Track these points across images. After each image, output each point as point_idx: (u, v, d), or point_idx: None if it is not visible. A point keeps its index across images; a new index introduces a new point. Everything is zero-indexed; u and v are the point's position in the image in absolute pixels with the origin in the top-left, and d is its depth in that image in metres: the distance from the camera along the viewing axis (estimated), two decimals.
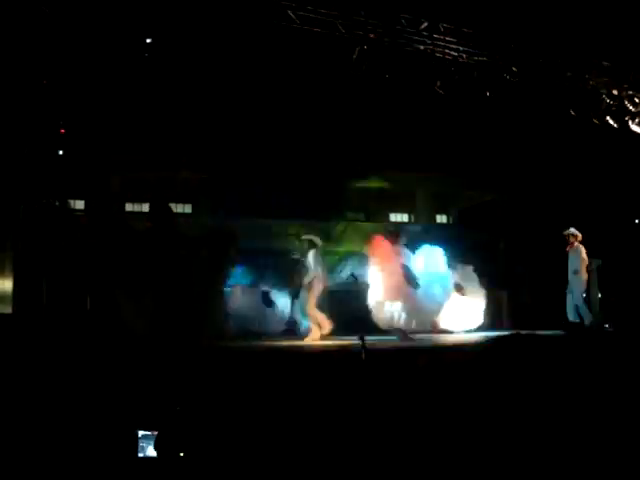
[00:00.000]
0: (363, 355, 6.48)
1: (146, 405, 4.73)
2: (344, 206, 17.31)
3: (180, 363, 5.69)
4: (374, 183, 17.45)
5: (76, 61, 9.77)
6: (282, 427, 4.98)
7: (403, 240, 11.06)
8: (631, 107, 11.69)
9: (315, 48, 10.43)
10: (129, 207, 16.95)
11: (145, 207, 17.07)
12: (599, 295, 14.28)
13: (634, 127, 11.86)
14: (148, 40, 9.15)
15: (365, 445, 5.06)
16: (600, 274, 14.15)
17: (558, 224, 13.85)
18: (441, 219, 20.18)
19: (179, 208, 16.32)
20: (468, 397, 6.37)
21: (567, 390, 6.82)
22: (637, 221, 16.57)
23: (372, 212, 19.31)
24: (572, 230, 11.16)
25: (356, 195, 17.65)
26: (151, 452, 4.14)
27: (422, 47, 10.32)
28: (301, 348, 8.83)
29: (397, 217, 19.75)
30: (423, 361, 7.08)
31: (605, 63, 11.59)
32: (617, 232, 14.94)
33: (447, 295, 10.92)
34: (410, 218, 19.47)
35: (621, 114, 11.75)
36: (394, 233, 11.33)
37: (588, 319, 10.95)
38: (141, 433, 4.15)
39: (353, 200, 17.72)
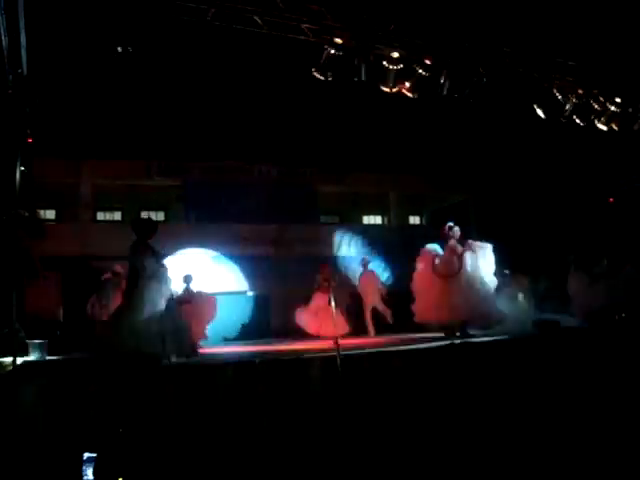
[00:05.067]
0: (338, 358, 6.50)
1: (91, 426, 4.55)
2: (317, 209, 17.32)
3: (139, 379, 5.62)
4: (347, 186, 17.47)
5: (43, 69, 9.71)
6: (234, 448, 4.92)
7: None
8: (597, 106, 11.85)
9: (284, 53, 10.48)
10: (100, 216, 16.83)
11: (117, 215, 17.01)
12: None
13: (600, 125, 12.01)
14: (119, 49, 9.09)
15: (336, 449, 5.08)
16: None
17: (528, 222, 14.02)
18: (414, 220, 20.26)
19: (152, 216, 16.22)
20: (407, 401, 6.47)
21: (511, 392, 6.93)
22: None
23: (346, 215, 19.35)
24: None
25: (329, 198, 17.66)
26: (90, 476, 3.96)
27: (389, 50, 10.36)
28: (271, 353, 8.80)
29: (370, 219, 19.80)
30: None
31: (570, 63, 11.72)
32: (586, 227, 15.13)
33: None
34: (383, 220, 19.52)
35: (587, 113, 11.90)
36: None
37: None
38: (86, 455, 4.00)
39: (326, 203, 17.73)
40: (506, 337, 8.97)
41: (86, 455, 4.05)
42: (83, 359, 7.45)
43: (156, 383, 5.63)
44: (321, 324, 11.47)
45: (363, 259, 13.13)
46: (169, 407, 5.26)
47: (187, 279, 10.91)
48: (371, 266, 13.11)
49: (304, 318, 12.07)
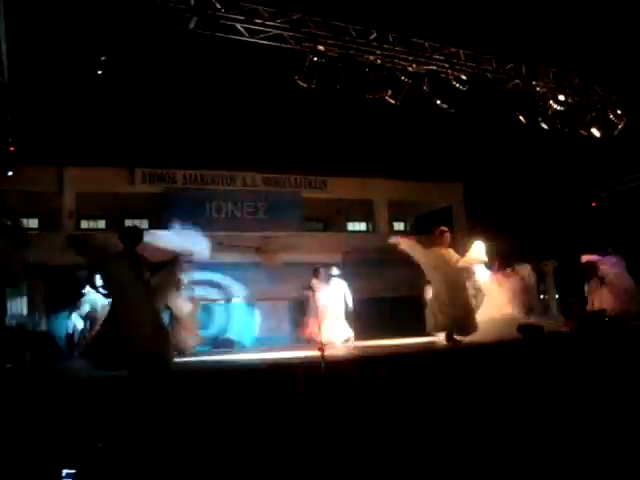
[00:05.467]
0: (323, 365, 6.50)
1: (70, 440, 4.41)
2: (302, 216, 17.32)
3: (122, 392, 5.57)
4: (331, 193, 17.50)
5: (25, 77, 9.68)
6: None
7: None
8: (578, 112, 11.96)
9: (267, 60, 10.50)
10: (84, 224, 16.75)
11: (101, 224, 16.94)
12: (556, 296, 14.56)
13: (581, 131, 12.12)
14: (102, 57, 9.07)
15: (323, 453, 5.07)
16: (556, 275, 14.44)
17: (512, 228, 14.09)
18: (399, 227, 20.30)
19: (136, 223, 16.14)
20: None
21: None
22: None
23: (330, 222, 19.37)
24: None
25: (313, 205, 17.67)
26: None
27: (372, 57, 10.41)
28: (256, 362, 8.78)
29: (355, 226, 19.83)
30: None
31: (552, 69, 11.83)
32: (569, 232, 15.24)
33: None
34: (368, 227, 19.55)
35: (568, 119, 11.99)
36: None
37: None
38: (65, 472, 3.91)
39: (311, 210, 17.74)
40: (492, 342, 9.01)
41: (65, 472, 3.93)
42: (63, 370, 7.41)
43: (140, 395, 5.59)
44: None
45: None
46: (152, 419, 5.22)
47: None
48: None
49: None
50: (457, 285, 9.58)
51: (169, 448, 4.80)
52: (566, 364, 7.97)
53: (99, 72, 9.14)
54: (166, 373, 6.86)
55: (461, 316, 9.46)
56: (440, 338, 9.76)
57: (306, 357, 7.77)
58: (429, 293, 10.25)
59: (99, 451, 4.21)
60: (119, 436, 4.70)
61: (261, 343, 12.79)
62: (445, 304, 9.42)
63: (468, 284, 10.26)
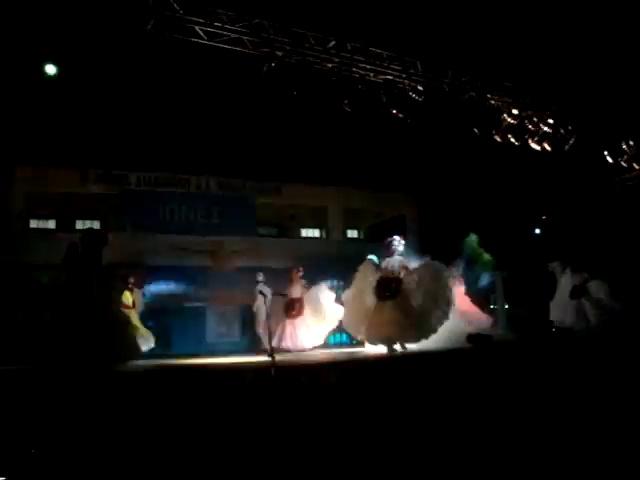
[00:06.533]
0: (273, 372, 6.49)
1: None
2: (255, 222, 17.26)
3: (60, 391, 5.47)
4: (285, 199, 17.49)
5: None
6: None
7: None
8: (530, 126, 12.20)
9: (224, 64, 10.45)
10: (34, 224, 16.43)
11: (51, 224, 16.63)
12: (505, 306, 14.77)
13: (533, 145, 12.36)
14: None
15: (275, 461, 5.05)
16: (506, 285, 14.65)
17: (464, 237, 14.26)
18: (352, 234, 20.37)
19: (87, 224, 15.89)
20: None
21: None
22: (537, 232, 17.27)
23: (284, 228, 19.34)
24: None
25: (267, 211, 17.63)
26: None
27: (330, 65, 10.47)
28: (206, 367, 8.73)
29: (309, 232, 19.84)
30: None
31: (506, 83, 12.05)
32: (520, 244, 15.50)
33: None
34: (322, 233, 19.58)
35: (521, 132, 12.23)
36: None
37: None
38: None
39: (265, 216, 17.70)
40: (440, 350, 9.11)
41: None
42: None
43: (79, 395, 5.48)
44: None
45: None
46: (91, 423, 5.11)
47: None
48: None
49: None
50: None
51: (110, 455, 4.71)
52: (508, 373, 8.13)
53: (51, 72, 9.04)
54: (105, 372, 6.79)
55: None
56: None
57: (256, 363, 7.76)
58: None
59: (31, 458, 4.06)
60: (55, 441, 4.55)
61: (212, 348, 12.69)
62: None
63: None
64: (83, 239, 7.59)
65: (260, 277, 12.03)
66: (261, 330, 11.72)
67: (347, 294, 10.56)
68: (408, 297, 9.81)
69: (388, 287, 9.89)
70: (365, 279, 10.22)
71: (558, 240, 15.58)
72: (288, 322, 11.28)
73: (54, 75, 9.47)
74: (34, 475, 3.94)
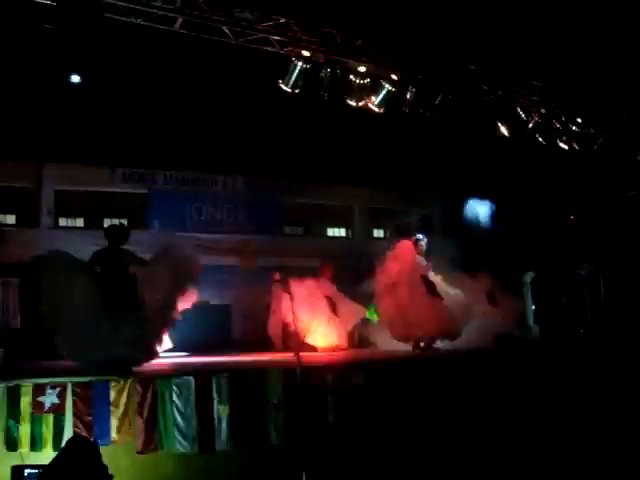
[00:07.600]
0: (298, 371, 6.49)
1: None
2: (282, 221, 17.28)
3: None
4: (312, 198, 17.46)
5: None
6: None
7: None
8: (558, 125, 12.07)
9: (252, 63, 10.48)
10: (62, 222, 16.58)
11: (79, 222, 16.77)
12: (532, 307, 14.64)
13: (561, 144, 12.22)
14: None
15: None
16: (533, 286, 14.52)
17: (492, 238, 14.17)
18: (378, 234, 20.30)
19: (115, 222, 15.99)
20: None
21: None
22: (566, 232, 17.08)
23: (310, 227, 19.32)
24: None
25: (294, 210, 17.62)
26: None
27: (357, 64, 10.45)
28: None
29: (335, 232, 19.80)
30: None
31: (535, 82, 11.93)
32: (548, 245, 15.33)
33: None
34: (348, 233, 19.54)
35: (549, 132, 12.10)
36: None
37: None
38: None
39: (292, 215, 17.70)
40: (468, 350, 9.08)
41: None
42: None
43: None
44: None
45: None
46: None
47: None
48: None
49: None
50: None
51: None
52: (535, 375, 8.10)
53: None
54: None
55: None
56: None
57: (283, 362, 7.76)
58: None
59: None
60: None
61: (235, 347, 12.68)
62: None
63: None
64: (107, 235, 7.73)
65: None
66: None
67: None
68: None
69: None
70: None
71: (587, 241, 15.39)
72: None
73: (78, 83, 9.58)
74: None
